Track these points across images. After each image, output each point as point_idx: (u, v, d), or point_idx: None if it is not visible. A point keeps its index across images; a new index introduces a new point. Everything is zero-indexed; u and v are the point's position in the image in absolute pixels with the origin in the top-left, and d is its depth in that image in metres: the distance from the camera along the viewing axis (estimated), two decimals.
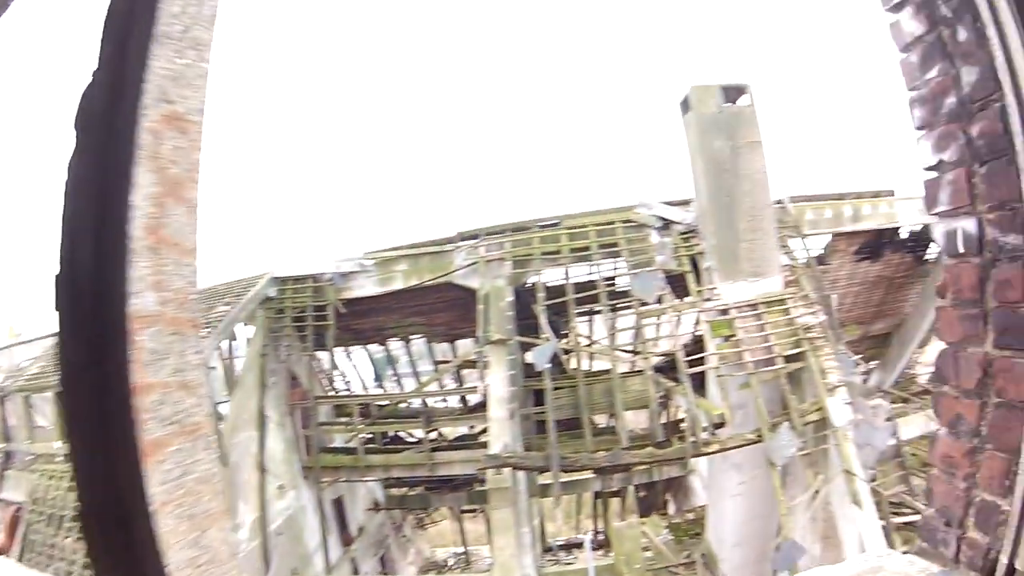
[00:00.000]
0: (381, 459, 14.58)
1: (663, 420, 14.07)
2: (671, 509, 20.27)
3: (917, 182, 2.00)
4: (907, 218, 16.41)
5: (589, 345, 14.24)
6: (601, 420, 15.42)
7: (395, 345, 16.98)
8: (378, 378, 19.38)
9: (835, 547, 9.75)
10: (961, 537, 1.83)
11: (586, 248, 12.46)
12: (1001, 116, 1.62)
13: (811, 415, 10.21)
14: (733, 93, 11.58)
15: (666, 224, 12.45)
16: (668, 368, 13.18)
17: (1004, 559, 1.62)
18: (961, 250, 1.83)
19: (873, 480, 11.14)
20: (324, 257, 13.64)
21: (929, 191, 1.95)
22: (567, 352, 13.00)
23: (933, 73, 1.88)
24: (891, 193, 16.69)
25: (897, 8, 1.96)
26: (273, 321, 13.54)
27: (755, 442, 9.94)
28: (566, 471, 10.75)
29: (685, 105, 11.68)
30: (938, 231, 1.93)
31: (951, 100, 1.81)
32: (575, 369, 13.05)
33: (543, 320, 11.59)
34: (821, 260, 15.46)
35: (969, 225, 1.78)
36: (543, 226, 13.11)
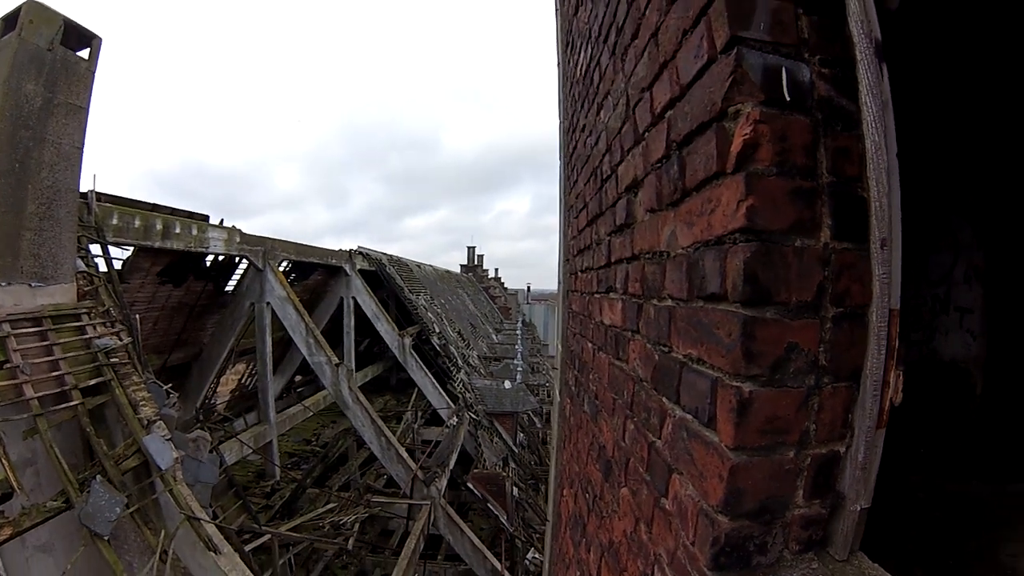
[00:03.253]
0: None
1: None
2: None
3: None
4: (214, 246, 15.35)
5: None
6: None
7: None
8: None
9: None
10: (789, 524, 1.32)
11: None
12: None
13: (129, 461, 7.70)
14: (76, 37, 8.57)
15: None
16: None
17: (855, 508, 1.31)
18: (788, 97, 1.26)
19: (216, 518, 9.14)
20: None
21: (738, 3, 1.27)
22: None
23: None
24: (205, 218, 15.51)
25: None
26: None
27: (63, 510, 6.79)
28: None
29: (9, 23, 8.05)
30: (750, 60, 1.25)
31: None
32: None
33: None
34: (121, 276, 12.91)
35: (798, 70, 1.28)
36: None
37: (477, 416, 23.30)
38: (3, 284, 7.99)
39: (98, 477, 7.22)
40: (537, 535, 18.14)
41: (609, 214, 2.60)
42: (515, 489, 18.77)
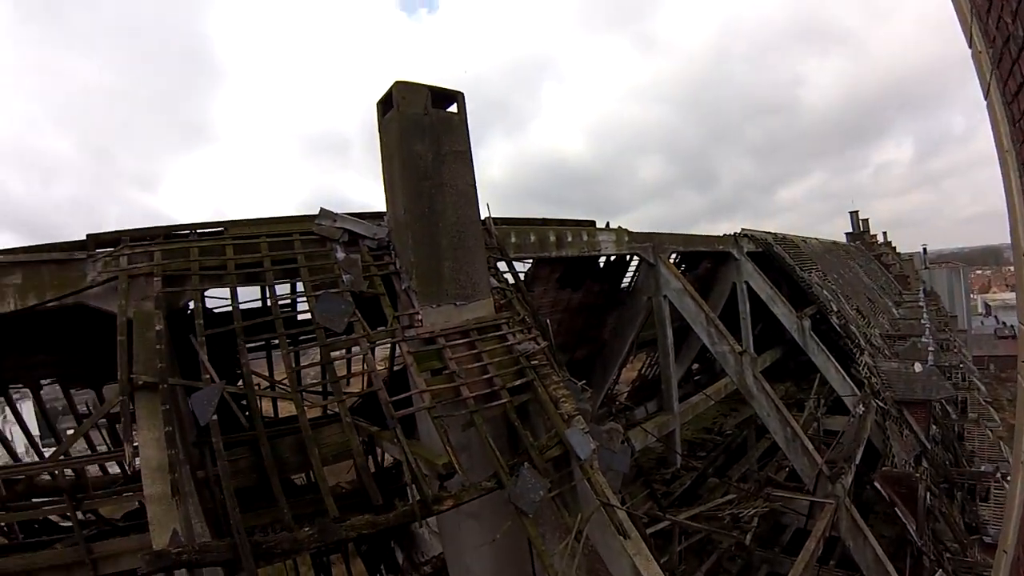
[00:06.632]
0: (21, 562, 9.70)
1: (373, 471, 11.48)
2: (401, 559, 17.54)
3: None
4: (605, 248, 16.05)
5: (269, 387, 11.33)
6: (298, 478, 12.63)
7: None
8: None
9: None
10: None
11: (257, 264, 9.45)
12: None
13: (552, 451, 8.57)
14: (442, 98, 9.88)
15: (353, 239, 10.08)
16: (365, 410, 10.85)
17: None
18: None
19: (625, 504, 9.75)
20: None
21: None
22: (239, 398, 9.53)
23: None
24: (592, 223, 16.31)
25: None
26: None
27: (494, 489, 7.93)
28: (264, 561, 7.61)
29: (386, 103, 9.66)
30: None
31: None
32: (251, 419, 9.53)
33: (203, 356, 8.36)
34: (527, 287, 14.17)
35: None
36: (203, 233, 9.87)
37: (885, 404, 20.97)
38: (434, 305, 9.45)
39: (525, 464, 8.13)
40: (948, 555, 15.63)
41: None
42: (928, 495, 16.51)
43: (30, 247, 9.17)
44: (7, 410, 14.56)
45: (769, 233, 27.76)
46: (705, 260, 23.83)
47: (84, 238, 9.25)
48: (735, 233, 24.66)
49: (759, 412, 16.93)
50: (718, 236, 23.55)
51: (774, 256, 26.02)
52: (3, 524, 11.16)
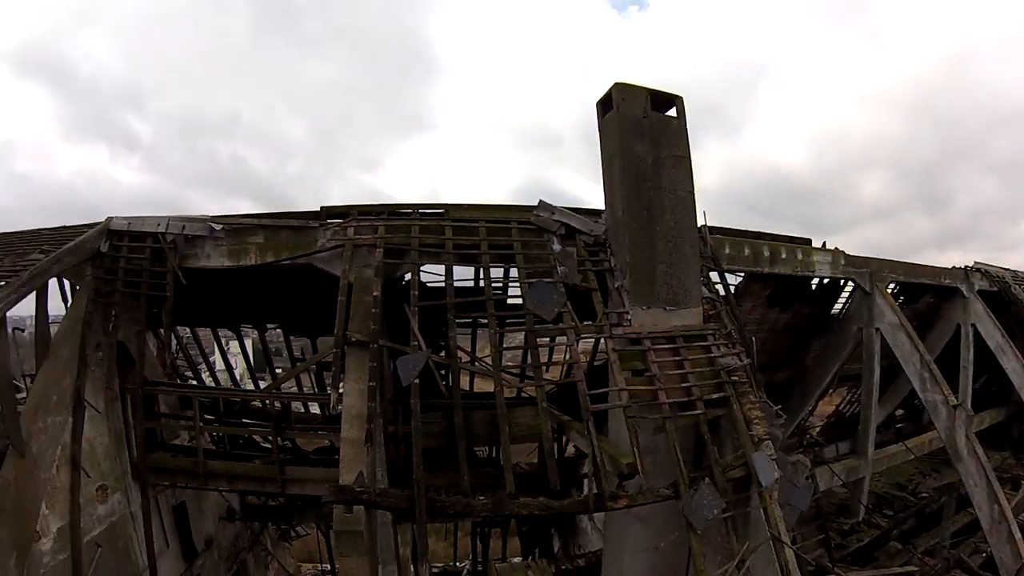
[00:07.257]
0: (224, 466, 11.59)
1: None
2: (556, 547, 17.74)
3: None
4: (819, 270, 15.14)
5: (471, 362, 11.79)
6: (480, 450, 13.16)
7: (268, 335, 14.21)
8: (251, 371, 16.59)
9: None
10: None
11: (474, 247, 9.94)
12: None
13: (735, 471, 8.20)
14: (661, 101, 9.73)
15: (570, 233, 10.20)
16: (558, 398, 10.95)
17: None
18: None
19: (795, 543, 9.40)
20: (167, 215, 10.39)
21: None
22: (442, 367, 10.30)
23: None
24: (807, 242, 15.44)
25: None
26: (103, 283, 10.08)
27: (670, 498, 7.79)
28: (435, 518, 8.11)
29: (606, 104, 9.66)
30: None
31: None
32: (450, 388, 9.84)
33: (414, 324, 8.98)
34: (736, 300, 13.63)
35: None
36: (425, 213, 10.59)
37: None
38: (644, 307, 9.33)
39: (706, 479, 7.90)
40: None
41: None
42: None
43: (272, 213, 10.76)
44: (231, 344, 16.54)
45: (1008, 270, 24.40)
46: (928, 294, 21.56)
47: (318, 209, 10.48)
48: (966, 267, 21.94)
49: (964, 479, 14.94)
50: (945, 268, 21.21)
51: (1011, 298, 22.73)
52: (217, 434, 13.25)
